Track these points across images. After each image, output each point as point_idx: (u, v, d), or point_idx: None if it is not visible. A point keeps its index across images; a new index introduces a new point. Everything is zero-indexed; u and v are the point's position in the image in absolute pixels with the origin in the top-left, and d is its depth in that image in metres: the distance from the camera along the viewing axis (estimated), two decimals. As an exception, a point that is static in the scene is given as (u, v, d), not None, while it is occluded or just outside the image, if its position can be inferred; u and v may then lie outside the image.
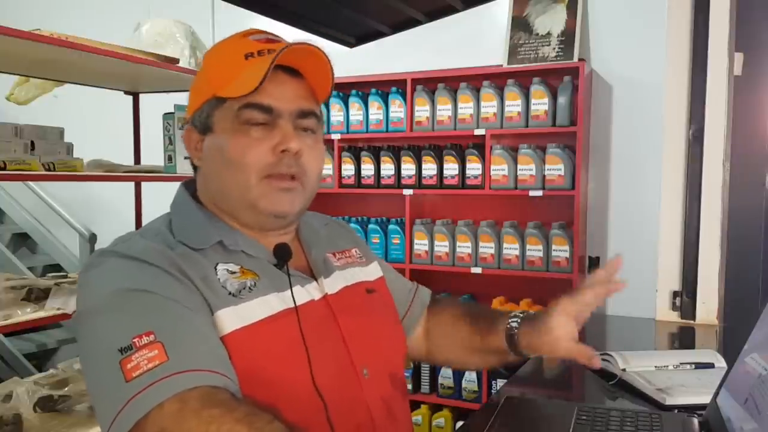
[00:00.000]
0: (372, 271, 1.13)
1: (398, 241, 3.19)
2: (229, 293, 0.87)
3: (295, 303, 0.91)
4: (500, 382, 2.91)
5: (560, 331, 1.02)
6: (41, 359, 4.01)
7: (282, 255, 0.94)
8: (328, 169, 3.29)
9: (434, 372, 3.14)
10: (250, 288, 0.89)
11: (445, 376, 3.10)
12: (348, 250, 1.11)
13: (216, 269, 0.89)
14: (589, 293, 1.04)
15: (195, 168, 0.99)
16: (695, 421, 1.09)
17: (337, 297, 1.00)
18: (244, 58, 0.91)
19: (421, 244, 3.14)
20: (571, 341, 1.02)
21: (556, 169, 2.86)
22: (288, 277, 0.93)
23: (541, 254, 2.90)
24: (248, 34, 0.96)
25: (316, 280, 0.99)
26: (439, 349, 1.22)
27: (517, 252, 2.94)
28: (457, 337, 1.18)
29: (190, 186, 1.00)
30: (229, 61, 0.93)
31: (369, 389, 0.96)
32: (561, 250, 2.87)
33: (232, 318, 0.85)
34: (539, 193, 2.89)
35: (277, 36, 0.97)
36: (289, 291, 0.92)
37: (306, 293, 0.95)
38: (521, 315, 1.10)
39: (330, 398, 0.88)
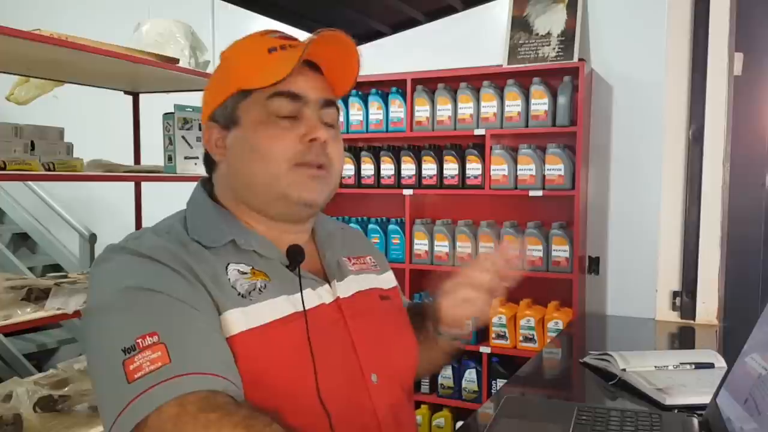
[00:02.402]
0: (386, 280, 1.12)
1: (398, 241, 3.19)
2: (239, 294, 0.86)
3: (304, 307, 0.90)
4: (500, 382, 2.91)
5: (447, 300, 1.03)
6: (41, 359, 4.00)
7: (294, 256, 0.93)
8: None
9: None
10: (260, 289, 0.88)
11: (445, 376, 3.10)
12: (363, 256, 1.10)
13: (227, 269, 0.88)
14: (483, 261, 1.06)
15: (210, 166, 0.99)
16: (695, 421, 1.09)
17: (350, 301, 0.99)
18: (268, 52, 0.92)
19: (421, 244, 3.14)
20: (459, 306, 1.03)
21: (556, 169, 2.86)
22: (299, 280, 0.92)
23: (541, 254, 2.90)
24: (266, 33, 0.97)
25: (329, 282, 0.98)
26: None
27: (516, 252, 2.93)
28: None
29: (207, 184, 1.00)
30: (252, 55, 0.93)
31: (377, 395, 0.95)
32: (561, 250, 2.87)
33: (239, 319, 0.84)
34: (539, 193, 2.89)
35: (294, 36, 0.98)
36: (299, 294, 0.91)
37: (317, 297, 0.94)
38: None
39: (334, 406, 0.87)
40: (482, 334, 3.03)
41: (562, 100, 2.84)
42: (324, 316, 0.93)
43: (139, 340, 0.76)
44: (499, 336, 2.95)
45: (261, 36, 0.96)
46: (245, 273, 0.89)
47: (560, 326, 2.77)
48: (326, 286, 0.97)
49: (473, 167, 3.02)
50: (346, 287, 1.00)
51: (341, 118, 3.28)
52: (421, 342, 1.10)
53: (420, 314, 1.13)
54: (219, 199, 0.98)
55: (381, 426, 0.94)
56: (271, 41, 0.94)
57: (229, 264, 0.89)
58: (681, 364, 1.46)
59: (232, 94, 0.93)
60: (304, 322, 0.89)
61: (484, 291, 1.03)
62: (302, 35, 1.02)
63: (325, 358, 0.89)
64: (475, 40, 3.18)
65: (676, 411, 1.20)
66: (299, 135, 0.91)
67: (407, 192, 3.16)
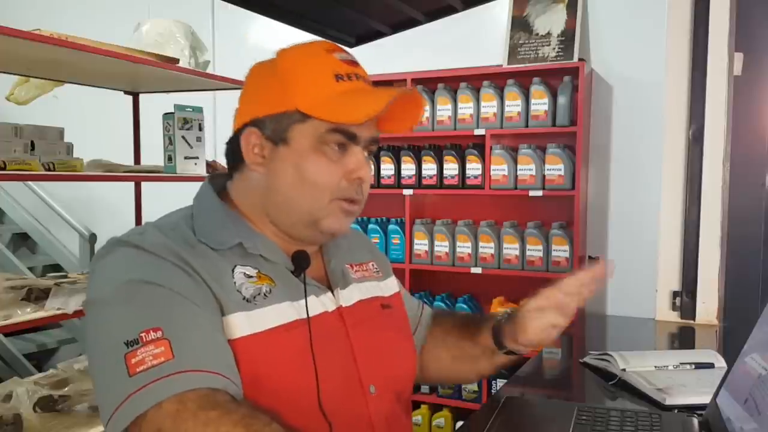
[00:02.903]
0: (389, 287, 1.12)
1: (398, 241, 3.19)
2: (243, 298, 0.86)
3: (308, 314, 0.90)
4: (500, 382, 2.91)
5: (534, 322, 1.06)
6: (41, 359, 4.00)
7: (300, 262, 0.93)
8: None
9: (434, 372, 3.14)
10: (265, 294, 0.88)
11: (445, 376, 3.09)
12: (365, 263, 1.10)
13: (233, 272, 0.88)
14: (570, 283, 1.06)
15: (235, 163, 0.96)
16: (695, 421, 1.09)
17: (351, 310, 0.99)
18: (335, 78, 0.90)
19: (421, 244, 3.14)
20: (546, 330, 1.05)
21: (556, 169, 2.86)
22: (304, 287, 0.92)
23: (541, 254, 2.90)
24: (331, 50, 0.94)
25: (332, 290, 0.98)
26: (429, 365, 1.19)
27: (517, 252, 2.94)
28: (446, 349, 1.18)
29: (215, 182, 0.99)
30: (319, 79, 0.90)
31: (374, 406, 0.94)
32: (561, 250, 2.87)
33: (243, 323, 0.84)
34: (539, 193, 2.89)
35: (355, 58, 0.97)
36: (303, 300, 0.91)
37: (320, 304, 0.94)
38: (508, 312, 1.13)
39: (333, 414, 0.87)
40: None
41: (562, 100, 2.84)
42: (326, 324, 0.93)
43: (142, 334, 0.76)
44: (499, 336, 2.94)
45: (326, 53, 0.93)
46: (251, 276, 0.89)
47: (560, 326, 2.77)
48: (329, 294, 0.97)
49: (473, 167, 3.02)
50: (349, 295, 1.00)
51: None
52: (470, 352, 1.13)
53: (474, 325, 1.15)
54: (232, 199, 0.97)
55: None
56: (338, 65, 0.91)
57: (235, 266, 0.89)
58: (681, 364, 1.46)
59: (289, 111, 0.90)
60: (307, 330, 0.88)
61: (566, 314, 1.05)
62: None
63: (325, 366, 0.88)
64: (475, 40, 3.18)
65: (676, 411, 1.20)
66: (346, 170, 0.91)
67: (407, 192, 3.16)
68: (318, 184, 0.90)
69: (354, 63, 0.95)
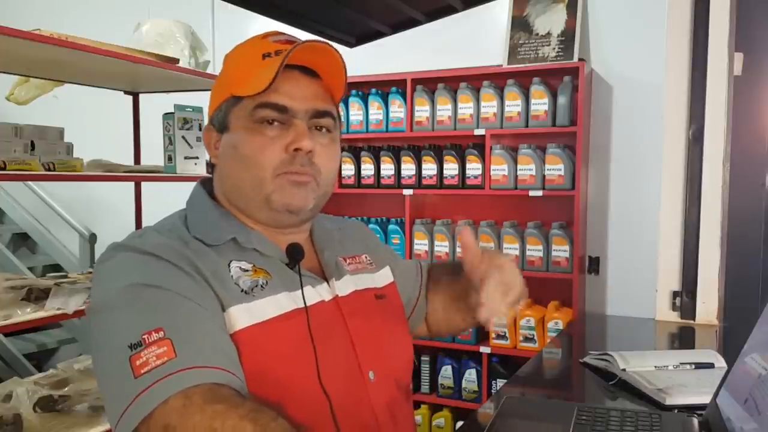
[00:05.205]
0: (382, 277, 1.13)
1: (398, 241, 3.19)
2: (242, 290, 0.88)
3: (305, 303, 0.91)
4: (500, 382, 2.92)
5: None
6: (41, 359, 4.01)
7: (294, 255, 0.94)
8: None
9: (434, 372, 3.14)
10: (262, 286, 0.90)
11: (445, 376, 3.10)
12: (358, 255, 1.11)
13: (229, 266, 0.89)
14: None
15: (212, 167, 1.01)
16: (695, 421, 1.09)
17: (347, 300, 1.00)
18: (262, 58, 0.92)
19: (421, 244, 3.14)
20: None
21: (556, 169, 2.86)
22: (299, 277, 0.93)
23: (541, 254, 2.90)
24: (268, 35, 0.96)
25: (327, 281, 0.99)
26: (434, 320, 1.23)
27: (517, 252, 2.94)
28: (438, 294, 1.22)
29: (206, 184, 1.01)
30: (247, 61, 0.94)
31: (374, 392, 0.96)
32: (561, 250, 2.87)
33: (243, 315, 0.86)
34: (539, 193, 2.89)
35: (296, 38, 0.97)
36: (299, 291, 0.92)
37: (316, 294, 0.96)
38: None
39: (336, 398, 0.89)
40: (482, 334, 3.03)
41: (562, 100, 2.84)
42: (324, 312, 0.95)
43: (145, 336, 0.77)
44: (499, 336, 2.95)
45: (261, 39, 0.96)
46: (247, 270, 0.90)
47: (560, 326, 2.77)
48: (325, 284, 0.99)
49: (473, 167, 3.02)
50: (344, 286, 1.01)
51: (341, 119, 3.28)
52: (459, 291, 1.12)
53: (458, 272, 1.11)
54: (218, 199, 0.99)
55: (379, 424, 0.95)
56: (268, 46, 0.94)
57: (231, 261, 0.90)
58: (681, 364, 1.46)
59: (226, 99, 0.94)
60: (305, 318, 0.90)
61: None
62: (302, 35, 1.01)
63: (325, 352, 0.90)
64: (475, 40, 3.18)
65: (676, 411, 1.20)
66: (285, 144, 0.91)
67: (407, 192, 3.16)
68: (254, 160, 0.91)
69: (289, 41, 0.95)
